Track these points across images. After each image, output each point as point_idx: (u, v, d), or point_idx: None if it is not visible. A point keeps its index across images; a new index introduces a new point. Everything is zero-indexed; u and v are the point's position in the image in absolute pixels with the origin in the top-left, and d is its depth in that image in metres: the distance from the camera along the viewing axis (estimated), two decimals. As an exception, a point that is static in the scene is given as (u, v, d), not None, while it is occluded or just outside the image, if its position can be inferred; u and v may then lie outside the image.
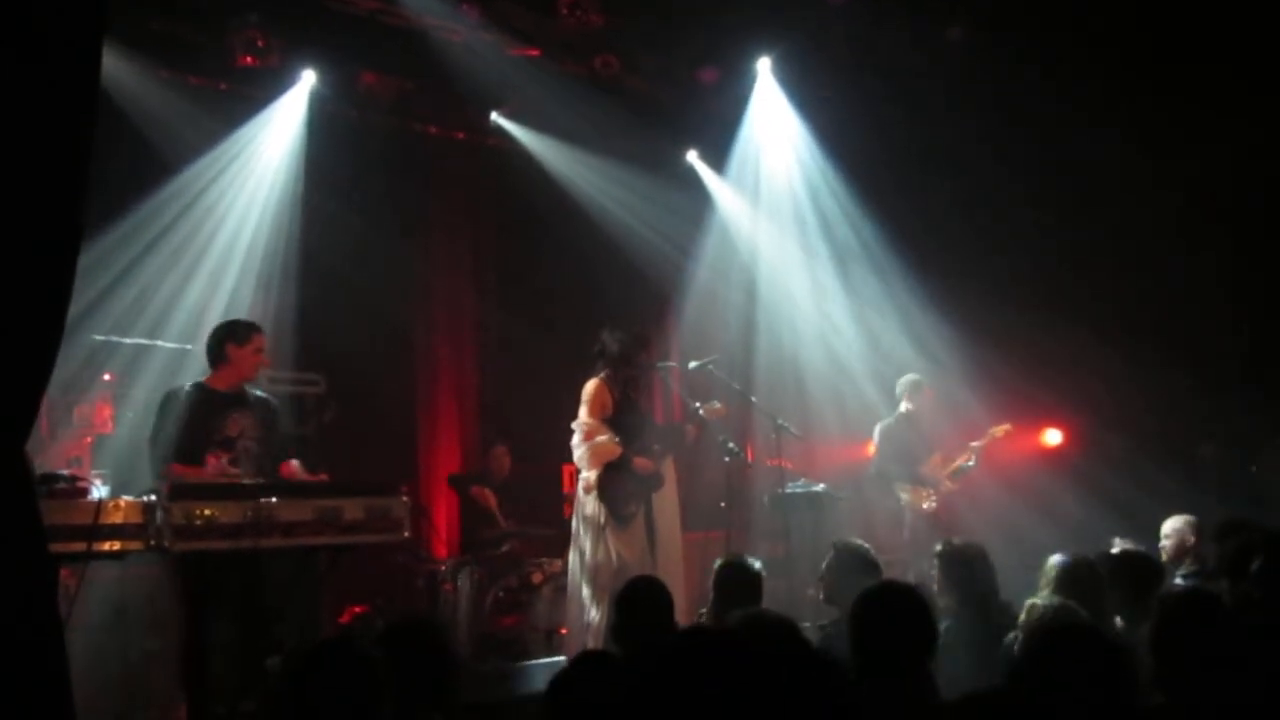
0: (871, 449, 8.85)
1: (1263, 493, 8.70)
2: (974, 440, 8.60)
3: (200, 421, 5.76)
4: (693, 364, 7.86)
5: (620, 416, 6.97)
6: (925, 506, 8.51)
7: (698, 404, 7.24)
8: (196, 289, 8.22)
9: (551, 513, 8.99)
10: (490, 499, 9.08)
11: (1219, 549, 5.00)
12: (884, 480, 8.68)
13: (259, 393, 6.14)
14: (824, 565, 5.24)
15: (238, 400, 5.93)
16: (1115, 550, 5.24)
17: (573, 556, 7.02)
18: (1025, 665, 3.05)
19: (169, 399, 5.85)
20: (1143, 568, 4.90)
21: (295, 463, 6.06)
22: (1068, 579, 4.61)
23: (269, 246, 8.64)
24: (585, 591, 6.85)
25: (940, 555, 5.08)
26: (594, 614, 6.74)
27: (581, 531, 6.95)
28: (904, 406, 8.73)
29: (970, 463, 8.55)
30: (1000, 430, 8.63)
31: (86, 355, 7.07)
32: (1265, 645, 3.32)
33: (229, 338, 5.96)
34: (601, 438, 6.84)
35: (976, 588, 4.90)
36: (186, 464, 5.63)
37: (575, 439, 6.94)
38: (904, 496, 8.56)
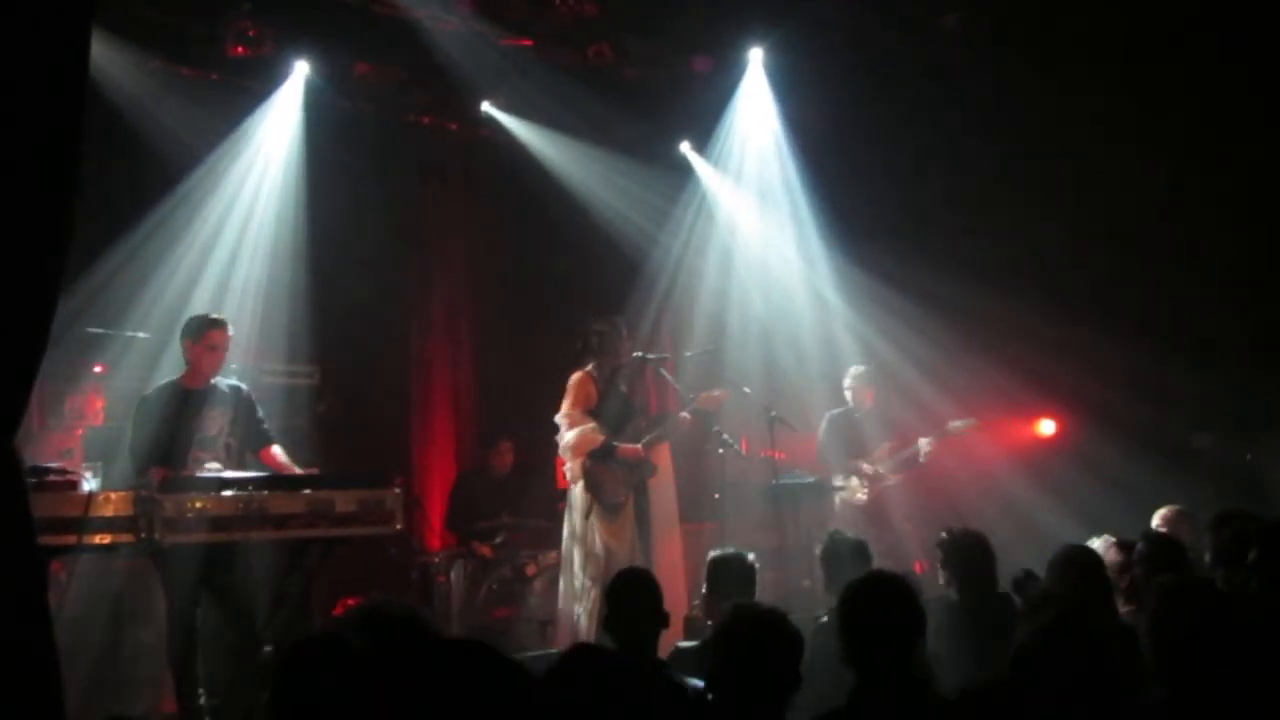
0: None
1: (1259, 482, 8.70)
2: (926, 434, 8.59)
3: (179, 423, 5.73)
4: (687, 354, 7.86)
5: (605, 407, 7.00)
6: (856, 499, 8.56)
7: (691, 395, 7.26)
8: (198, 284, 8.16)
9: (545, 505, 8.98)
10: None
11: (1213, 539, 4.99)
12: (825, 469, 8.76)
13: (230, 381, 6.10)
14: (819, 554, 5.25)
15: (210, 396, 5.88)
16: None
17: (564, 547, 7.04)
18: (1018, 660, 3.04)
19: (142, 406, 5.83)
20: (1170, 550, 4.88)
21: (277, 448, 6.03)
22: (1068, 568, 4.61)
23: (272, 243, 8.58)
24: (574, 582, 6.87)
25: (941, 545, 5.09)
26: (583, 604, 6.75)
27: (571, 522, 6.97)
28: (847, 397, 8.78)
29: (920, 459, 8.53)
30: (962, 425, 8.57)
31: (79, 347, 7.04)
32: (1263, 635, 3.31)
33: (185, 335, 5.92)
34: (582, 426, 6.86)
35: (974, 577, 4.91)
36: (170, 468, 5.56)
37: (560, 431, 6.97)
38: (838, 486, 8.62)
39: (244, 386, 6.17)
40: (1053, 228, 9.41)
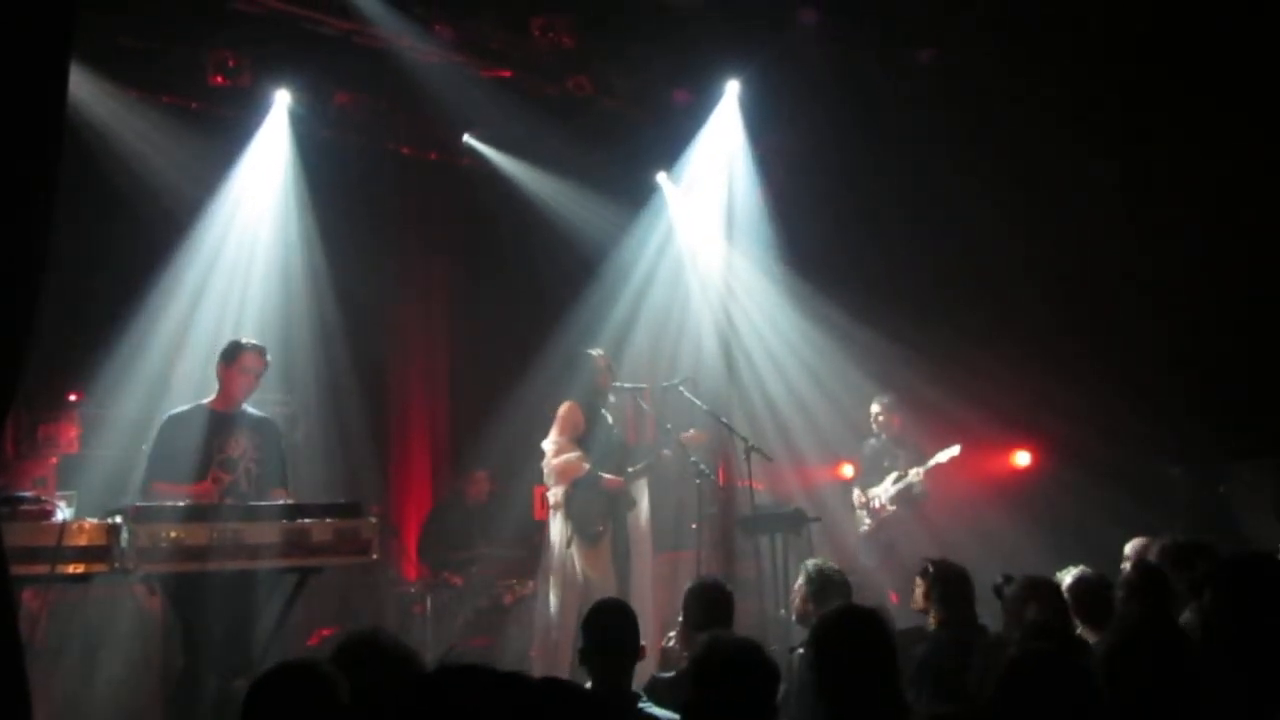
0: None
1: (1231, 514, 8.74)
2: (916, 465, 8.67)
3: (202, 443, 5.74)
4: (664, 385, 7.89)
5: (591, 436, 7.03)
6: (861, 529, 8.82)
7: (669, 425, 7.29)
8: (178, 307, 8.13)
9: (522, 535, 8.94)
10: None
11: (1174, 573, 5.04)
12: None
13: (261, 413, 6.11)
14: (795, 586, 5.24)
15: (237, 421, 5.90)
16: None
17: (540, 576, 7.03)
18: (1000, 691, 3.05)
19: (169, 422, 5.83)
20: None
21: (284, 492, 5.99)
22: (1031, 599, 4.63)
23: (250, 270, 8.55)
24: (552, 611, 6.86)
25: (922, 575, 5.10)
26: (560, 634, 6.73)
27: (550, 550, 6.96)
28: (874, 426, 8.98)
29: (919, 489, 8.60)
30: (946, 455, 8.61)
31: (53, 375, 7.00)
32: (1221, 671, 3.33)
33: (219, 358, 5.96)
34: (568, 455, 6.88)
35: (954, 608, 4.92)
36: (180, 484, 5.58)
37: (546, 458, 6.99)
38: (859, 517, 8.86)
39: (273, 420, 6.17)
40: (1028, 260, 9.46)
